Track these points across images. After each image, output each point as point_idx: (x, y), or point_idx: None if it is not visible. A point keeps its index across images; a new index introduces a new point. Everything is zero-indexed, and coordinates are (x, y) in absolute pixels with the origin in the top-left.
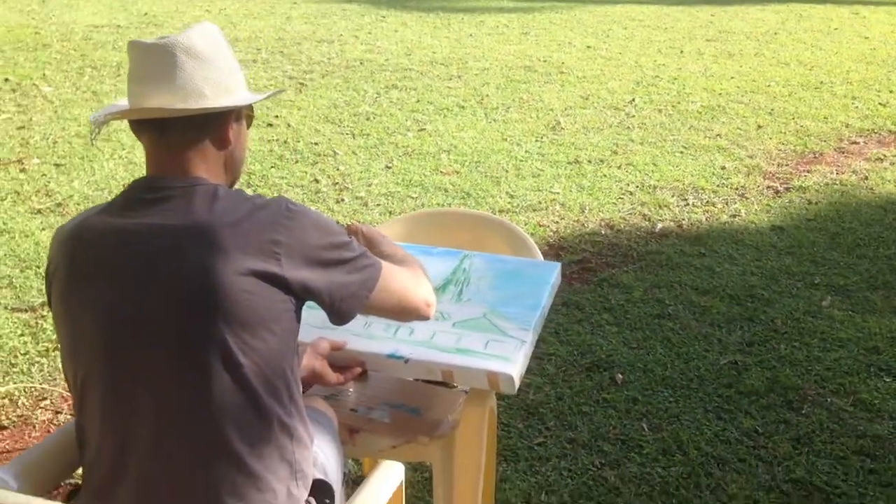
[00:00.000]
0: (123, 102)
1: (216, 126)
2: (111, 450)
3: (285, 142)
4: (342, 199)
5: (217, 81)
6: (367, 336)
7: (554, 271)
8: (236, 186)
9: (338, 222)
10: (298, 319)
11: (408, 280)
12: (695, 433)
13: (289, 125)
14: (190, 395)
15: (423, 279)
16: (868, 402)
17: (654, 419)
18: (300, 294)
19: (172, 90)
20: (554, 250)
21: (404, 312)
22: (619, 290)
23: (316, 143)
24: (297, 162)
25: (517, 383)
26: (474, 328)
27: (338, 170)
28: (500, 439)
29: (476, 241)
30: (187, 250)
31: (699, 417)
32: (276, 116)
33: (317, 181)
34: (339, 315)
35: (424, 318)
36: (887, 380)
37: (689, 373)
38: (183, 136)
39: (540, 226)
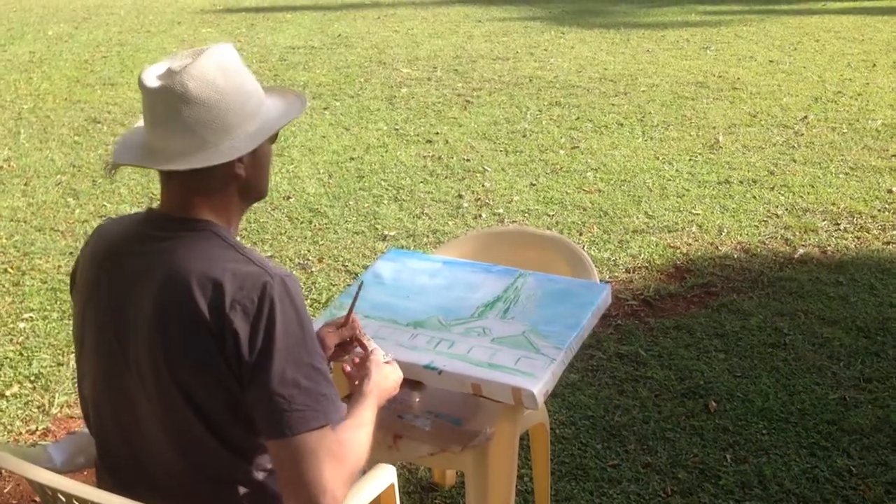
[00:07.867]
0: (141, 124)
1: (222, 168)
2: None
3: (439, 158)
4: (480, 216)
5: (216, 124)
6: (409, 347)
7: (602, 293)
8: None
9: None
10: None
11: (335, 461)
12: (780, 468)
13: (447, 142)
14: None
15: (349, 468)
16: None
17: (740, 450)
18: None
19: (174, 136)
20: (679, 273)
21: (297, 486)
22: (736, 316)
23: (468, 160)
24: (446, 178)
25: (540, 400)
26: (511, 345)
27: (483, 186)
28: (573, 458)
29: (538, 259)
30: (163, 298)
31: (790, 453)
32: (437, 133)
33: (460, 196)
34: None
35: None
36: None
37: (791, 406)
38: (186, 182)
39: (670, 247)
